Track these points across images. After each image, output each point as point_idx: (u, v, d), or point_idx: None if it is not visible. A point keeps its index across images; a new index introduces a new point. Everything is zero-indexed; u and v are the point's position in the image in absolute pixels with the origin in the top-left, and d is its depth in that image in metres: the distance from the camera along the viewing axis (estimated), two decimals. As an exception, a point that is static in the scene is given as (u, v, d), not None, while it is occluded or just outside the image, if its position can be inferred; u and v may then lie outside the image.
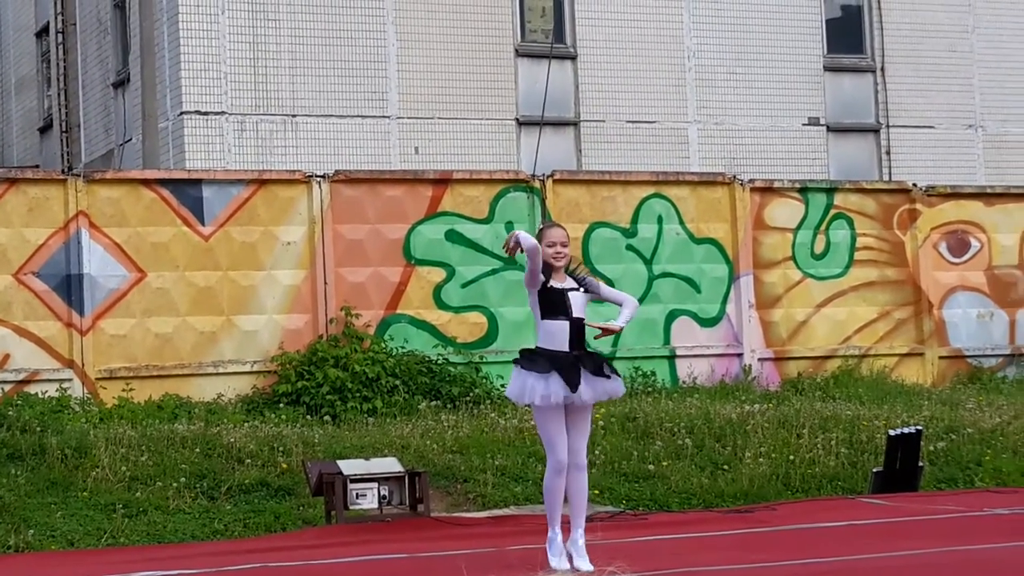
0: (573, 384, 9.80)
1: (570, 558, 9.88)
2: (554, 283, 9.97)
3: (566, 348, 9.95)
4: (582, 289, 10.10)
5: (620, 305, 10.46)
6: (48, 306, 17.01)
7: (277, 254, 17.97)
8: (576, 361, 9.90)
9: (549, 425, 9.98)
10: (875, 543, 11.25)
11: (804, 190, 21.00)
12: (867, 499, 14.25)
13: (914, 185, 21.93)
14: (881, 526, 12.43)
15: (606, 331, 10.37)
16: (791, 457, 15.47)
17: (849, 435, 16.19)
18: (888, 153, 27.72)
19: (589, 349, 10.22)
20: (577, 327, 10.01)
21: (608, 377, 10.05)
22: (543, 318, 9.98)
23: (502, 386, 18.44)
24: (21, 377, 16.78)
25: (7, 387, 16.65)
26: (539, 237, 9.95)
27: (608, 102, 25.91)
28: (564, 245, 10.02)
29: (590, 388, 9.94)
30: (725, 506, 14.26)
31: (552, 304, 9.96)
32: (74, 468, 13.97)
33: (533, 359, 9.98)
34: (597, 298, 10.33)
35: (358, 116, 24.40)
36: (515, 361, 10.20)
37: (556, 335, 9.96)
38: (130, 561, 11.48)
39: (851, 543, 11.41)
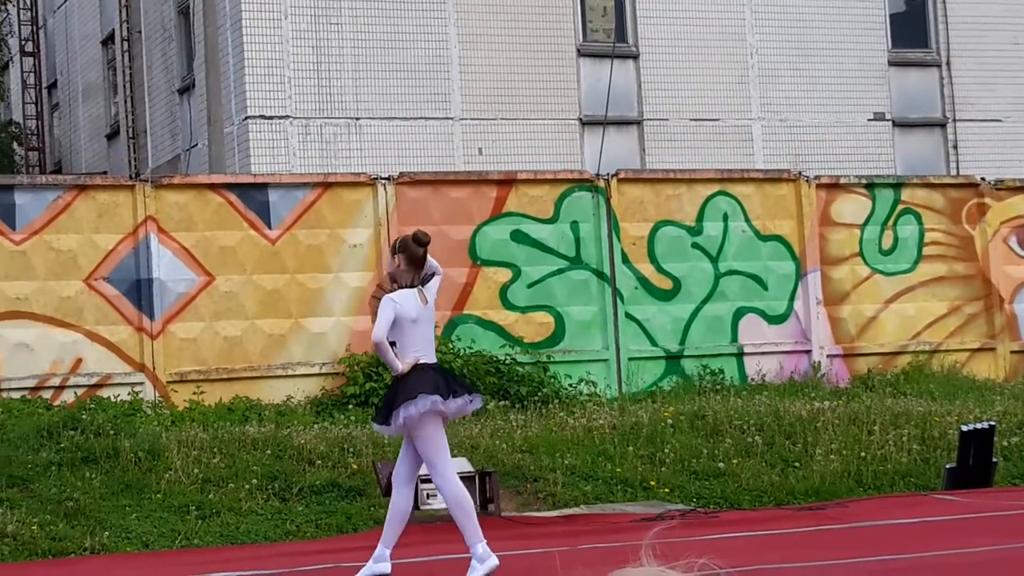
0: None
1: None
2: None
3: None
4: None
5: None
6: (119, 311, 17.17)
7: (343, 256, 18.05)
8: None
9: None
10: (948, 539, 11.17)
11: (871, 186, 20.86)
12: (940, 495, 14.14)
13: (982, 179, 21.75)
14: (954, 522, 12.33)
15: None
16: (862, 454, 15.37)
17: (921, 431, 16.07)
18: (955, 147, 27.50)
19: None
20: None
21: None
22: None
23: (570, 385, 18.46)
24: (94, 381, 16.94)
25: (80, 391, 16.81)
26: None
27: (671, 100, 25.85)
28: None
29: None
30: (796, 503, 14.19)
31: None
32: (147, 470, 14.08)
33: None
34: None
35: (421, 118, 24.46)
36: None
37: None
38: (204, 562, 11.56)
39: (924, 540, 11.33)
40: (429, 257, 10.30)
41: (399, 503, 10.30)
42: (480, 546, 10.02)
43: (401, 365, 9.97)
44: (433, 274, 10.31)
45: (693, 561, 2.13)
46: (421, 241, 10.23)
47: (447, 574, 10.62)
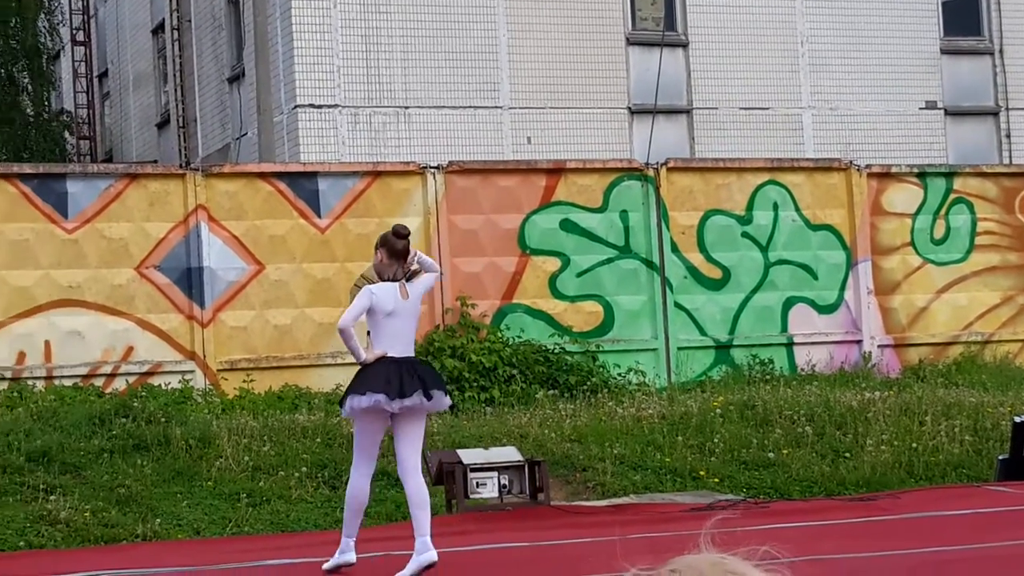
0: None
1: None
2: None
3: None
4: None
5: None
6: (169, 299, 17.25)
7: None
8: None
9: None
10: (1001, 531, 11.08)
11: (923, 175, 20.71)
12: (992, 487, 14.03)
13: (1035, 168, 21.57)
14: (1007, 514, 12.23)
15: None
16: (914, 444, 15.28)
17: (973, 422, 15.96)
18: (1008, 136, 27.27)
19: None
20: None
21: None
22: None
23: (619, 375, 18.43)
24: (145, 369, 17.03)
25: (131, 379, 16.91)
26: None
27: (721, 89, 25.75)
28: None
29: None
30: (847, 494, 14.12)
31: None
32: (198, 458, 14.15)
33: None
34: None
35: (470, 107, 24.46)
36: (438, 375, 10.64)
37: None
38: (256, 550, 11.61)
39: (977, 531, 11.25)
40: (425, 256, 10.44)
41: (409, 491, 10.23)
42: (348, 541, 10.17)
43: (366, 355, 10.12)
44: (418, 271, 10.26)
45: (755, 549, 2.11)
46: (400, 234, 10.24)
47: (494, 563, 10.62)
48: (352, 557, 10.20)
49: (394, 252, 10.16)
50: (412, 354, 10.27)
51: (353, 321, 10.09)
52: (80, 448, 14.06)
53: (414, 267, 10.23)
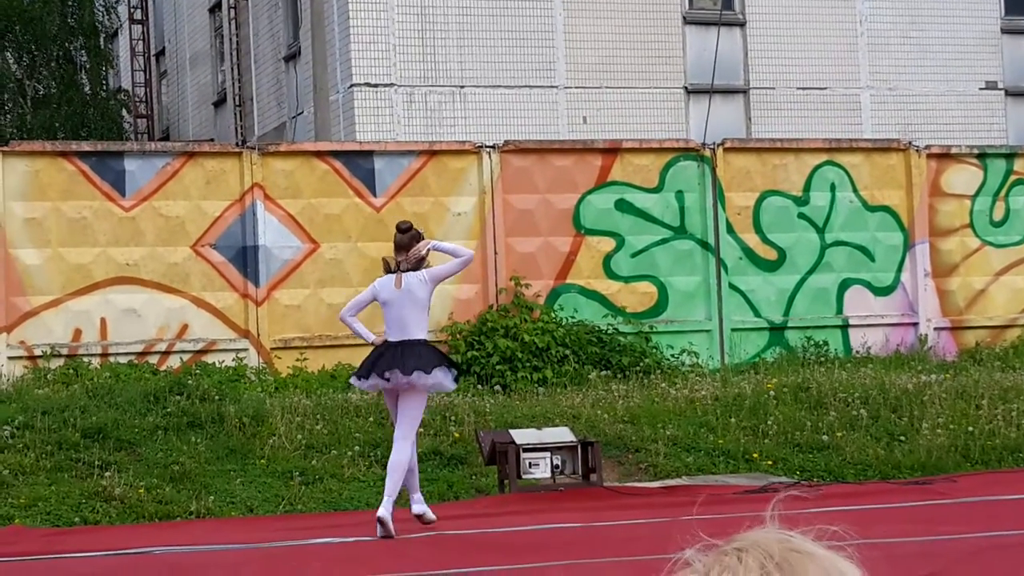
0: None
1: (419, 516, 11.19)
2: None
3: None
4: None
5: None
6: (225, 277, 17.32)
7: (448, 224, 18.05)
8: None
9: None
10: (1060, 516, 10.96)
11: (983, 156, 20.49)
12: (1050, 471, 13.89)
13: (1097, 149, 21.28)
14: (1065, 499, 12.10)
15: None
16: (970, 428, 15.14)
17: (1031, 406, 15.79)
18: (1069, 117, 26.96)
19: None
20: None
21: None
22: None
23: (672, 356, 18.36)
24: (199, 347, 17.11)
25: (186, 356, 17.00)
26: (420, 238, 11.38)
27: (778, 69, 25.57)
28: None
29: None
30: (902, 477, 14.01)
31: None
32: (252, 436, 14.21)
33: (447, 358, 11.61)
34: None
35: (526, 86, 24.41)
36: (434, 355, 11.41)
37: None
38: (309, 528, 11.65)
39: (1035, 516, 11.13)
40: (447, 244, 11.61)
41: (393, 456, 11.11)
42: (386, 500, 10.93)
43: (373, 338, 11.55)
44: (424, 259, 11.28)
45: (824, 528, 2.08)
46: (400, 228, 11.42)
47: (546, 543, 10.61)
48: (380, 511, 10.87)
49: (395, 245, 11.34)
50: (413, 337, 11.19)
51: (351, 311, 11.60)
52: (135, 425, 14.15)
53: (423, 254, 11.23)
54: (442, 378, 11.20)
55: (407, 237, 11.28)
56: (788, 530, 2.04)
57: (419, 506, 11.24)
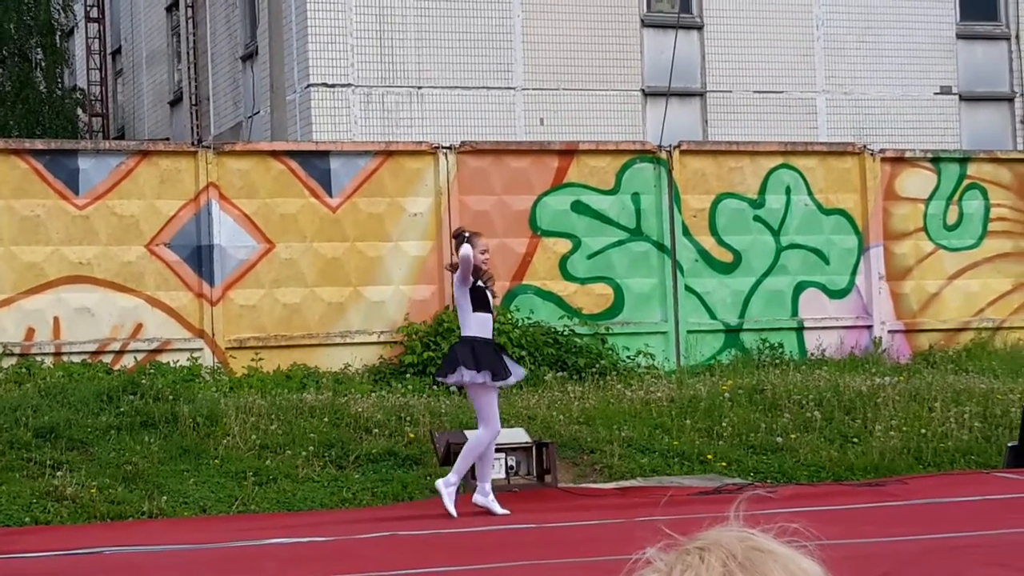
0: (507, 374, 11.92)
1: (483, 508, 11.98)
2: (479, 283, 11.97)
3: (490, 335, 12.09)
4: (489, 291, 12.20)
5: None
6: (179, 276, 17.24)
7: (403, 225, 18.04)
8: (496, 348, 12.21)
9: (492, 400, 11.98)
10: (1010, 518, 11.04)
11: (936, 160, 20.62)
12: (1001, 474, 13.98)
13: (1050, 154, 21.45)
14: (1016, 501, 12.19)
15: None
16: (923, 431, 15.23)
17: (983, 409, 15.90)
18: (1023, 122, 27.15)
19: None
20: (493, 320, 12.30)
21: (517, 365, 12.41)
22: (475, 311, 11.91)
23: (628, 357, 18.39)
24: (153, 346, 17.03)
25: (140, 356, 16.91)
26: (472, 243, 11.86)
27: (735, 72, 25.65)
28: (487, 252, 12.17)
29: (515, 372, 12.15)
30: (855, 479, 14.08)
31: (479, 300, 11.96)
32: (205, 436, 14.15)
33: (471, 359, 11.78)
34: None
35: (483, 88, 24.39)
36: (453, 355, 12.14)
37: (484, 325, 11.99)
38: (262, 528, 11.61)
39: (985, 517, 11.21)
40: (461, 250, 11.81)
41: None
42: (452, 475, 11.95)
43: None
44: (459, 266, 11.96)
45: (784, 527, 2.09)
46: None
47: (501, 544, 10.60)
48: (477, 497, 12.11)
49: None
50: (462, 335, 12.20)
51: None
52: (87, 425, 14.06)
53: (456, 261, 11.97)
54: (466, 376, 11.83)
55: (454, 244, 12.22)
56: (749, 528, 2.05)
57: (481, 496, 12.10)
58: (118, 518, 12.44)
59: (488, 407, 11.96)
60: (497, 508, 11.94)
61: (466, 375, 11.84)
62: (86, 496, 12.63)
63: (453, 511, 11.72)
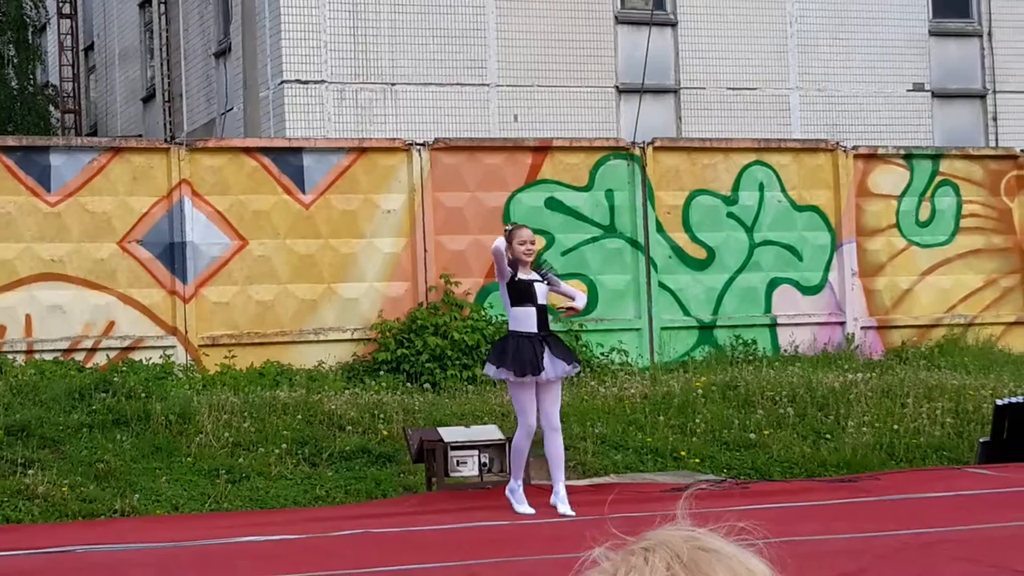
0: (536, 368, 11.61)
1: (553, 507, 11.71)
2: (522, 276, 11.75)
3: (534, 330, 11.74)
4: (545, 282, 11.91)
5: (572, 299, 12.27)
6: (152, 274, 17.18)
7: (377, 222, 18.01)
8: (541, 342, 11.74)
9: (521, 396, 11.80)
10: (982, 513, 11.08)
11: (909, 157, 20.68)
12: (973, 469, 14.03)
13: (1022, 151, 21.51)
14: (988, 496, 12.24)
15: (570, 310, 12.26)
16: (895, 427, 15.28)
17: (955, 405, 15.96)
18: (995, 119, 27.26)
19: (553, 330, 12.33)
20: (542, 313, 11.86)
21: (568, 360, 11.92)
22: (513, 305, 11.80)
23: (602, 354, 18.40)
24: (126, 344, 16.97)
25: (112, 354, 16.85)
26: (510, 236, 11.81)
27: (708, 69, 25.69)
28: (532, 243, 11.90)
29: (553, 368, 11.73)
30: (828, 475, 14.11)
31: (521, 293, 11.77)
32: (178, 434, 14.10)
33: (502, 355, 11.75)
34: (555, 290, 12.14)
35: (457, 84, 24.38)
36: (491, 349, 12.34)
37: (525, 319, 11.78)
38: (234, 526, 11.58)
39: (957, 513, 11.25)
40: (498, 240, 11.93)
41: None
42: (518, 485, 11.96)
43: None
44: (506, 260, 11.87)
45: (732, 526, 2.08)
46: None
47: (474, 541, 10.60)
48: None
49: None
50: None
51: None
52: (59, 423, 14.01)
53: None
54: (490, 371, 11.97)
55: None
56: (697, 527, 2.04)
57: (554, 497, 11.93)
58: (90, 516, 12.39)
59: (517, 403, 11.92)
60: (517, 506, 11.87)
61: (490, 370, 11.94)
62: (58, 494, 12.58)
63: (528, 509, 11.75)
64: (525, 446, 11.92)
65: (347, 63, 23.85)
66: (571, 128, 23.60)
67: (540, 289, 11.83)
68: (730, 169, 19.65)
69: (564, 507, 11.67)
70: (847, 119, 25.99)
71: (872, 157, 20.44)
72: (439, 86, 24.22)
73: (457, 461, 12.97)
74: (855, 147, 20.59)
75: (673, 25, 25.77)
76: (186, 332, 17.17)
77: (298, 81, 23.62)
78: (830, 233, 19.96)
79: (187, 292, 17.23)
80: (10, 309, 16.65)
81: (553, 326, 18.24)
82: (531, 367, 11.61)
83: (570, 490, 13.02)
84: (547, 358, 11.69)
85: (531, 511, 11.68)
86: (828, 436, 15.17)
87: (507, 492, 11.96)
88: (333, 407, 14.97)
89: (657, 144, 19.54)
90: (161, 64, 29.56)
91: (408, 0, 24.11)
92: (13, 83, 33.91)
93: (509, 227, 12.21)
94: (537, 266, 12.08)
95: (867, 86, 26.33)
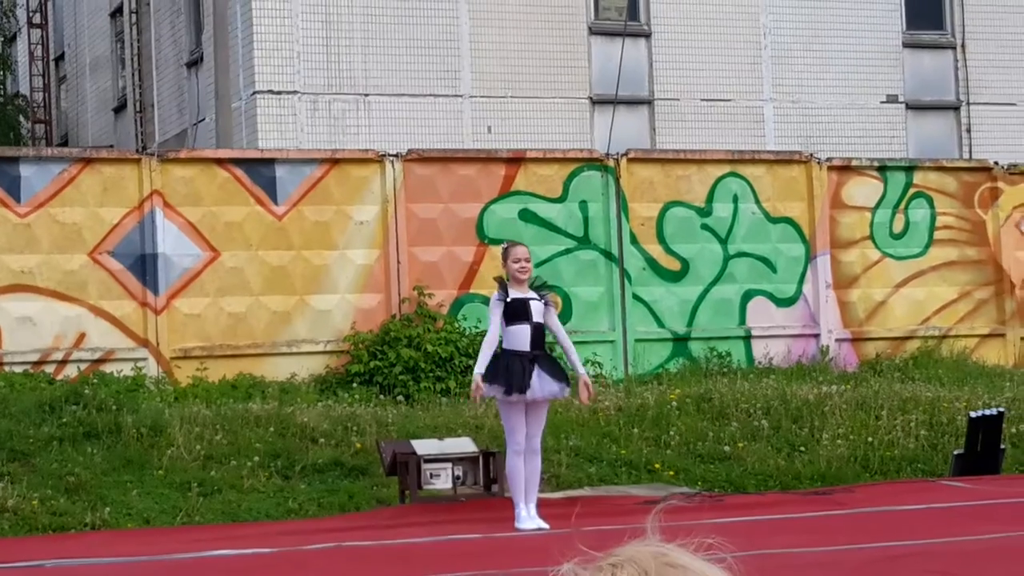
0: (523, 388, 11.46)
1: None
2: (516, 294, 11.67)
3: (527, 348, 11.59)
4: (543, 302, 11.83)
5: (559, 341, 12.16)
6: (123, 285, 17.07)
7: (350, 233, 17.94)
8: (532, 362, 11.56)
9: (510, 415, 11.69)
10: (956, 526, 11.07)
11: (883, 168, 20.70)
12: (947, 482, 14.04)
13: (995, 163, 21.57)
14: (962, 509, 12.24)
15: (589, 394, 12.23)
16: (869, 439, 15.27)
17: (929, 417, 15.96)
18: (968, 131, 27.33)
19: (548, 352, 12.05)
20: (536, 330, 11.70)
21: (558, 381, 11.73)
22: (508, 325, 11.65)
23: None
24: (97, 356, 16.85)
25: (83, 366, 16.72)
26: (505, 254, 11.85)
27: (683, 80, 25.70)
28: (527, 261, 11.81)
29: (540, 387, 11.57)
30: (802, 488, 14.10)
31: (515, 312, 11.64)
32: (149, 447, 14.00)
33: (495, 372, 11.54)
34: (551, 327, 11.98)
35: (431, 95, 24.34)
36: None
37: (518, 337, 11.65)
38: (206, 540, 11.49)
39: (931, 526, 11.24)
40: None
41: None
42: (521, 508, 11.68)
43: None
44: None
45: (702, 541, 2.05)
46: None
47: (447, 555, 10.53)
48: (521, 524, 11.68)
49: None
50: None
51: None
52: (29, 435, 13.89)
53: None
54: (485, 389, 11.65)
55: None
56: (666, 542, 2.02)
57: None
58: (60, 530, 12.28)
59: (506, 422, 11.80)
60: (529, 523, 11.64)
61: (484, 387, 11.63)
62: (27, 508, 12.47)
63: (541, 524, 11.55)
64: (518, 467, 11.69)
65: (320, 74, 23.78)
66: (545, 139, 23.57)
67: (535, 307, 11.70)
68: (704, 181, 19.64)
69: (535, 522, 11.60)
70: (821, 131, 26.03)
71: (846, 169, 20.46)
72: (412, 97, 24.17)
73: (430, 474, 12.91)
74: (829, 159, 20.60)
75: (647, 36, 25.78)
76: (158, 344, 17.06)
77: (270, 92, 23.54)
78: (804, 245, 19.96)
79: (159, 304, 17.12)
80: (-20, 321, 16.51)
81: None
82: (517, 386, 11.45)
83: (543, 502, 12.98)
84: (535, 377, 11.52)
85: (545, 526, 11.49)
86: (802, 448, 15.15)
87: (516, 526, 11.61)
88: (306, 420, 14.89)
89: (631, 155, 19.53)
90: (132, 74, 29.44)
91: (381, 11, 24.07)
92: (-16, 93, 33.75)
93: (505, 244, 12.22)
94: (534, 285, 11.99)
95: (841, 98, 26.38)
